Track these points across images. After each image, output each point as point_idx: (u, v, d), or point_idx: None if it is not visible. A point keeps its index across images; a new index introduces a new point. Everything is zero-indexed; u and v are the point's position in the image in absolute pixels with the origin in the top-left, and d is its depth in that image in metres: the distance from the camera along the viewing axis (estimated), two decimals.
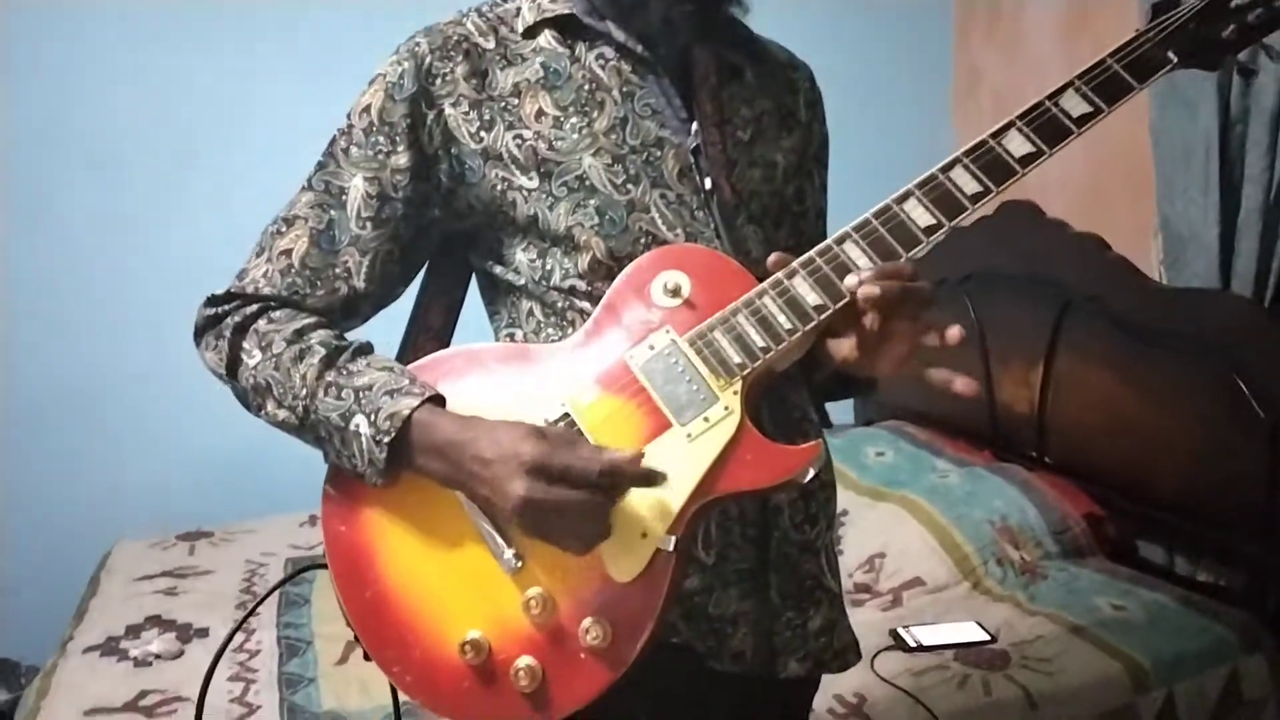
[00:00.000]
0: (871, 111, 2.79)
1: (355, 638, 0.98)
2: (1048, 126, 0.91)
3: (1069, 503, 2.25)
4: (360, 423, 0.92)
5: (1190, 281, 2.10)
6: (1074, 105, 0.90)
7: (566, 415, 0.93)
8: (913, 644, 1.87)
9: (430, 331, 1.09)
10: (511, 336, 1.05)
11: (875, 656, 1.81)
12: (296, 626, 2.04)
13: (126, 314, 2.64)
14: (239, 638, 2.00)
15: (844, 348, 0.94)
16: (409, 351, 1.09)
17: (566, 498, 0.86)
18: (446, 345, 1.10)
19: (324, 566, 1.00)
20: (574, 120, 0.99)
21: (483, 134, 0.98)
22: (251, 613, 1.04)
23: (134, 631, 2.02)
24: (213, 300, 1.01)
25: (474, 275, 1.10)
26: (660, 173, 1.00)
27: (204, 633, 2.02)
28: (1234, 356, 1.95)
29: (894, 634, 1.91)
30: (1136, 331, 2.16)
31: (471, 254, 1.07)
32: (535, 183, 0.98)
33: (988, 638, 1.88)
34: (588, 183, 0.98)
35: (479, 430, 0.90)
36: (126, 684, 1.83)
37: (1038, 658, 1.82)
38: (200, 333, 1.02)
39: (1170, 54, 0.90)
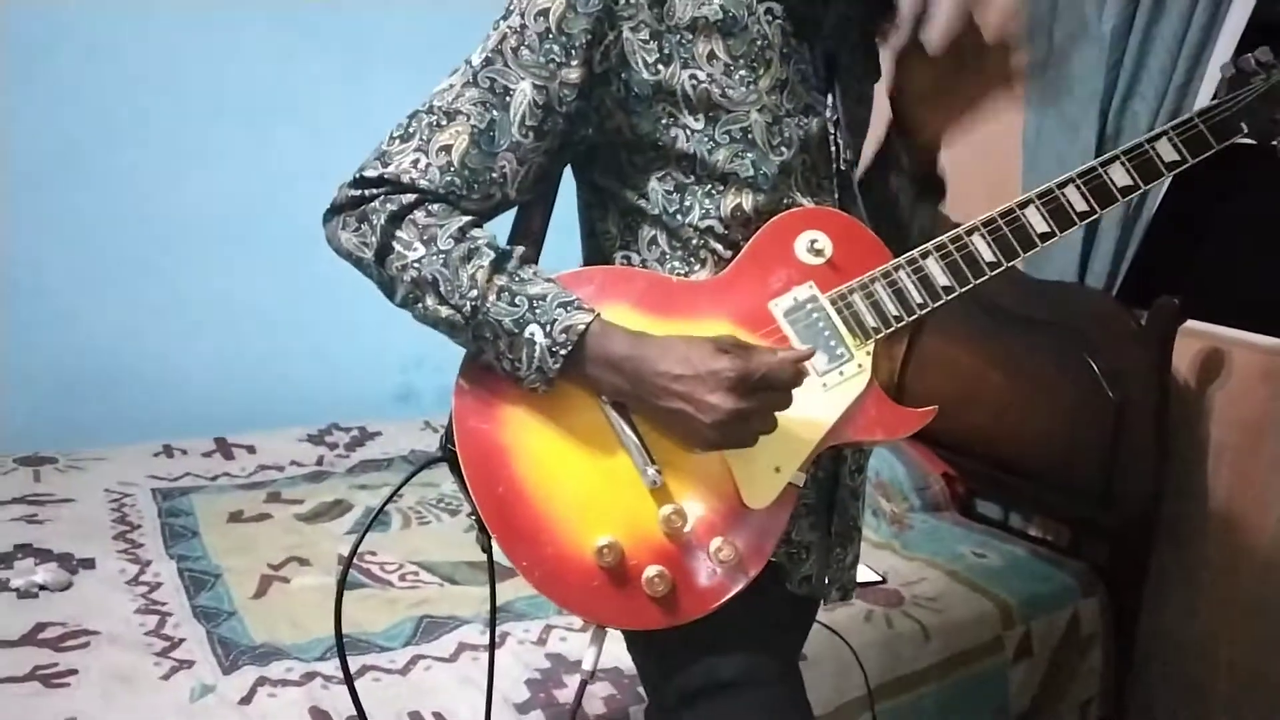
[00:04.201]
0: None
1: (481, 529, 0.99)
2: (1145, 166, 1.06)
3: (927, 463, 2.50)
4: (535, 332, 0.93)
5: (1049, 276, 2.38)
6: (1167, 152, 1.06)
7: None
8: None
9: (531, 236, 1.09)
10: (628, 259, 1.07)
11: None
12: (193, 559, 1.92)
13: None
14: (132, 569, 1.86)
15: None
16: None
17: (768, 403, 0.92)
18: (540, 249, 1.10)
19: (444, 462, 1.01)
20: (743, 73, 1.00)
21: (659, 67, 0.98)
22: (375, 516, 1.00)
23: (5, 561, 1.82)
24: (361, 181, 0.97)
25: (577, 185, 1.10)
26: (808, 139, 1.04)
27: (90, 564, 1.85)
28: (1088, 342, 2.25)
29: None
30: (1000, 315, 2.42)
31: (594, 170, 1.07)
32: (700, 125, 1.00)
33: (880, 578, 2.08)
34: (750, 136, 1.00)
35: (655, 347, 0.93)
36: (16, 616, 1.66)
37: (925, 597, 2.03)
38: (338, 210, 0.98)
39: (1243, 124, 1.07)
